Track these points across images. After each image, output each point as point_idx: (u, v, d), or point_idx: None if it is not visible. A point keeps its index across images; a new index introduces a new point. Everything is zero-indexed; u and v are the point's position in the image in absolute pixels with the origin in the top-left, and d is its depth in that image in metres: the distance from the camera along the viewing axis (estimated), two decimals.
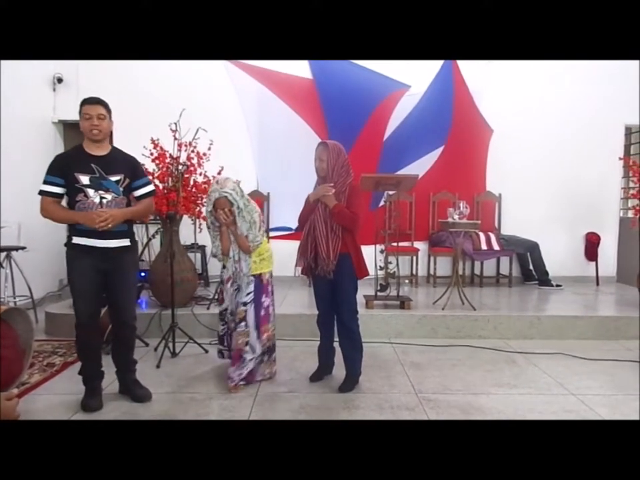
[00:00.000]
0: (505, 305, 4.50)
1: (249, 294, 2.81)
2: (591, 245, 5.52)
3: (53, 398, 2.70)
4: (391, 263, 4.03)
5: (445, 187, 5.42)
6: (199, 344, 3.50)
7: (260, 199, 5.35)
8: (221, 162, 4.14)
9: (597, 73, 5.24)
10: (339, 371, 2.93)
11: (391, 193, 4.48)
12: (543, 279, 5.17)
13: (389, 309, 4.03)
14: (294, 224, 4.31)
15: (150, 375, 2.97)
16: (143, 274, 4.46)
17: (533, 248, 5.20)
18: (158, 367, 3.18)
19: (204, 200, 4.08)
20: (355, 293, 2.81)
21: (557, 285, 5.07)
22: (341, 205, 2.68)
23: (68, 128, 5.39)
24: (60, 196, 2.48)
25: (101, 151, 2.52)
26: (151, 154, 3.95)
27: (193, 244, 4.86)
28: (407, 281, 5.19)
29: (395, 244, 4.13)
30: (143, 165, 3.89)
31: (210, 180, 4.14)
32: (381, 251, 4.04)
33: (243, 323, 2.79)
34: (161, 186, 3.96)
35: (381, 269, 3.99)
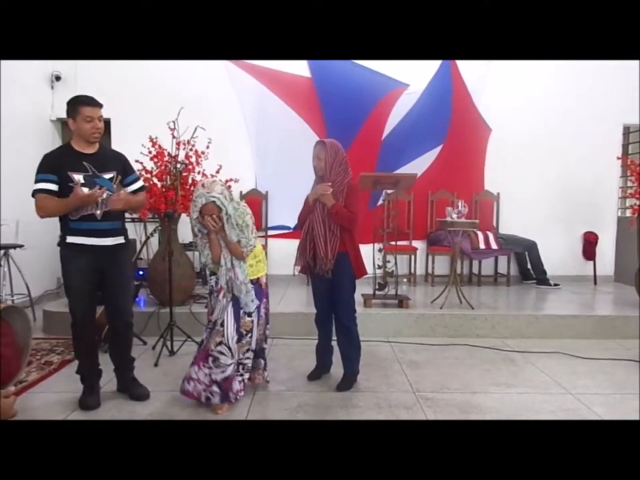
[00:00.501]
0: (503, 304, 4.51)
1: (252, 302, 2.57)
2: (589, 245, 5.54)
3: (51, 396, 2.70)
4: (389, 261, 4.03)
5: (444, 186, 5.42)
6: (196, 342, 3.48)
7: (258, 197, 5.35)
8: (220, 160, 4.14)
9: (596, 73, 5.24)
10: (337, 369, 2.94)
11: (389, 191, 4.48)
12: (541, 278, 5.17)
13: (387, 307, 4.03)
14: (292, 222, 4.32)
15: (148, 373, 2.97)
16: (141, 272, 4.46)
17: (531, 247, 5.20)
18: (156, 365, 3.18)
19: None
20: (353, 292, 2.81)
21: (555, 284, 5.08)
22: (339, 205, 2.68)
23: (66, 126, 5.35)
24: (54, 193, 2.41)
25: (91, 149, 2.50)
26: (149, 152, 3.94)
27: (191, 242, 4.86)
28: (405, 280, 5.19)
29: (393, 243, 4.13)
30: (141, 162, 3.89)
31: (208, 178, 4.13)
32: (379, 250, 4.04)
33: (249, 335, 2.58)
34: (159, 184, 3.96)
35: (379, 267, 3.99)
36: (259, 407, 2.57)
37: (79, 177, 2.41)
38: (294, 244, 3.00)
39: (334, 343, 2.95)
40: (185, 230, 4.47)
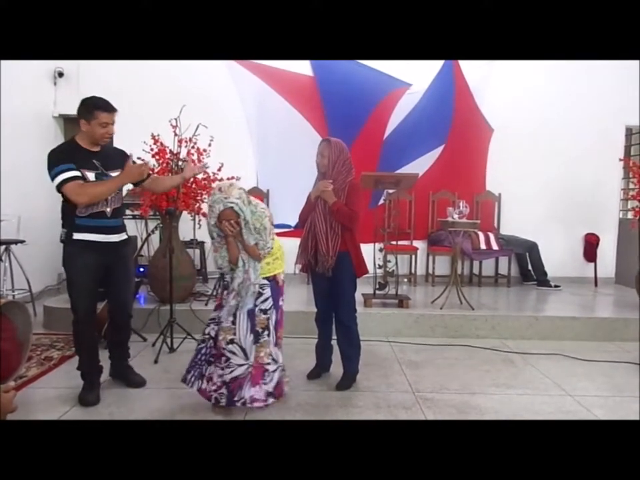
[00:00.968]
0: (503, 305, 4.50)
1: (266, 300, 2.50)
2: (590, 246, 5.53)
3: (51, 391, 2.70)
4: (389, 261, 4.03)
5: (445, 186, 5.41)
6: (196, 339, 3.49)
7: (259, 195, 5.35)
8: (221, 158, 4.14)
9: (599, 74, 5.23)
10: (337, 369, 2.94)
11: (390, 191, 4.48)
12: (542, 279, 5.17)
13: (387, 307, 4.03)
14: (293, 221, 4.30)
15: (147, 370, 2.97)
16: (141, 269, 4.46)
17: (532, 248, 5.20)
18: (156, 362, 3.18)
19: (204, 198, 4.07)
20: (353, 292, 2.81)
21: (556, 286, 5.07)
22: (339, 203, 2.69)
23: (68, 122, 5.37)
24: (81, 179, 2.38)
25: (97, 146, 2.51)
26: (151, 149, 3.94)
27: (192, 240, 4.86)
28: (405, 280, 5.19)
29: (394, 242, 4.13)
30: (143, 160, 3.89)
31: (210, 176, 4.13)
32: (380, 250, 4.04)
33: (265, 332, 2.49)
34: None
35: (380, 267, 3.99)
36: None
37: (91, 175, 2.43)
38: (294, 242, 3.00)
39: (334, 342, 2.95)
40: (185, 227, 4.49)
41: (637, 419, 2.43)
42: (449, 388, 2.86)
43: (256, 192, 5.34)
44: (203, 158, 4.10)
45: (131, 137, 3.62)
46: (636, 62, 4.93)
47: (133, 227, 4.71)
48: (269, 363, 2.48)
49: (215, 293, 4.23)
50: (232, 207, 2.34)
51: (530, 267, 5.32)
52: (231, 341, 2.44)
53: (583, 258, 5.60)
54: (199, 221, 4.39)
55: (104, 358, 2.74)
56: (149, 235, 4.10)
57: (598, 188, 5.49)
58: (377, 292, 4.06)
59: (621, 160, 5.07)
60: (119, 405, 2.54)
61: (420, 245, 5.36)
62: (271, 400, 2.49)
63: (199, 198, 4.09)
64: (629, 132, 5.73)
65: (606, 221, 5.57)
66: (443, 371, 3.14)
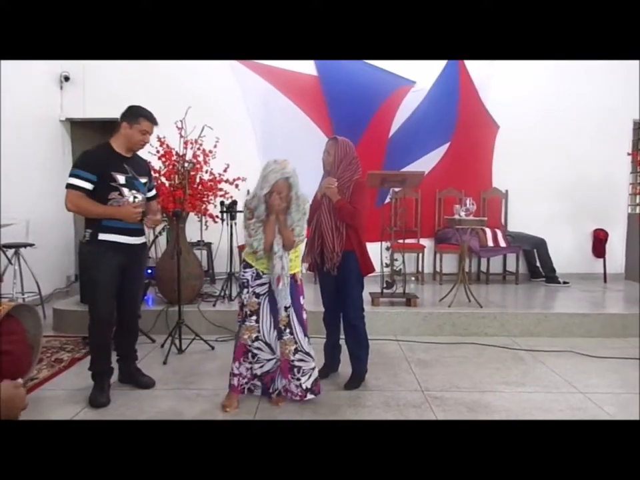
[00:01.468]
0: (512, 302, 4.48)
1: (284, 296, 2.49)
2: (599, 242, 5.48)
3: (61, 393, 2.73)
4: (396, 260, 4.02)
5: (451, 183, 5.39)
6: (205, 340, 3.51)
7: None
8: (227, 159, 4.15)
9: (605, 68, 5.18)
10: (345, 368, 2.94)
11: (396, 189, 4.47)
12: (550, 275, 5.14)
13: (395, 306, 4.02)
14: None
15: (156, 371, 2.99)
16: (149, 271, 4.48)
17: (540, 245, 5.16)
18: (164, 363, 3.20)
19: (210, 199, 4.09)
20: (360, 291, 2.80)
21: (564, 282, 5.04)
22: (343, 200, 2.68)
23: (75, 126, 5.41)
24: (87, 192, 2.49)
25: (129, 152, 2.64)
26: (157, 151, 3.96)
27: (199, 241, 4.88)
28: (412, 278, 5.18)
29: (400, 241, 4.12)
30: (149, 162, 3.92)
31: (216, 177, 4.15)
32: (387, 248, 4.03)
33: (287, 330, 2.50)
34: (167, 183, 3.98)
35: (387, 266, 3.99)
36: (267, 406, 2.58)
37: (121, 178, 2.54)
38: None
39: (342, 342, 2.95)
40: (192, 229, 4.50)
41: None
42: (459, 386, 2.85)
43: None
44: (209, 159, 4.12)
45: None
46: None
47: None
48: (301, 360, 2.53)
49: (222, 294, 4.24)
50: (288, 178, 2.35)
51: (538, 264, 5.29)
52: (256, 338, 2.51)
53: (592, 254, 5.55)
54: (206, 222, 4.41)
55: (112, 361, 2.75)
56: (156, 237, 4.12)
57: (606, 183, 5.44)
58: (385, 291, 4.05)
59: (629, 154, 5.02)
60: (128, 406, 2.56)
61: (427, 243, 5.34)
62: (310, 396, 2.56)
63: (205, 199, 4.11)
64: (637, 126, 5.67)
65: (614, 216, 5.52)
66: (452, 369, 3.13)
